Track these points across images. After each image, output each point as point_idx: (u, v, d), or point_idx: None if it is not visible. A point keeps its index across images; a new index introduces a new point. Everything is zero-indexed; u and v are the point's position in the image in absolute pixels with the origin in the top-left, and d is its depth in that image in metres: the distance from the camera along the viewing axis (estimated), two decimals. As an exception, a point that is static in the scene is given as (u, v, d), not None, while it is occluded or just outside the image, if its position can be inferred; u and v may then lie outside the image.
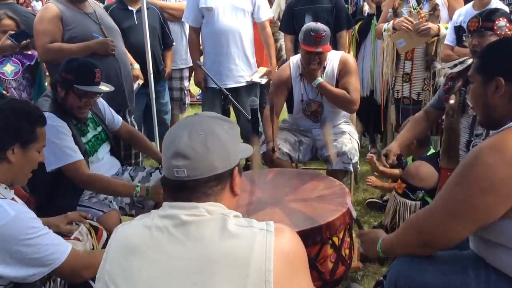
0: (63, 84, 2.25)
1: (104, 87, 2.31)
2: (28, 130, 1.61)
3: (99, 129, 2.49)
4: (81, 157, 2.23)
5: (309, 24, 2.84)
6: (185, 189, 1.11)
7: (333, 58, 2.92)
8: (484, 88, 1.46)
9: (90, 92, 2.26)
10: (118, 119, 2.66)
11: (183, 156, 1.10)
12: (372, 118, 4.07)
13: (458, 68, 2.40)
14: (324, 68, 2.91)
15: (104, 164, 2.46)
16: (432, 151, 2.85)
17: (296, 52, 3.82)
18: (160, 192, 2.20)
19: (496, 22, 2.31)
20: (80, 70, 2.24)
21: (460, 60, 2.48)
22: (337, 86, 2.88)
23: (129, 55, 3.31)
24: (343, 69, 2.89)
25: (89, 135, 2.42)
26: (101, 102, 2.58)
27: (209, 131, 1.12)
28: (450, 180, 1.38)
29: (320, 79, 2.83)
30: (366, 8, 4.00)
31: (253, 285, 1.00)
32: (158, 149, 3.20)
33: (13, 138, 1.58)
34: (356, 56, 4.10)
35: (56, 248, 1.52)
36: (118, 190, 2.28)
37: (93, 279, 1.61)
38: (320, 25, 2.79)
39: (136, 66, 3.45)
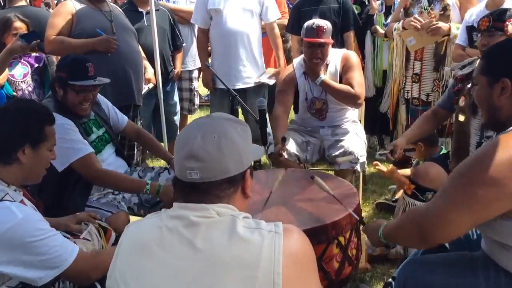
0: (60, 83, 2.27)
1: (99, 82, 2.31)
2: (37, 130, 1.60)
3: (102, 130, 2.50)
4: (92, 149, 2.24)
5: (312, 19, 2.87)
6: (197, 191, 1.11)
7: (335, 56, 2.92)
8: (489, 90, 1.45)
9: (86, 86, 2.26)
10: (123, 118, 2.66)
11: (196, 158, 1.09)
12: (379, 118, 4.06)
13: (467, 70, 2.38)
14: (327, 65, 2.91)
15: (110, 164, 2.46)
16: (443, 151, 2.84)
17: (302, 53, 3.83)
18: (170, 193, 2.20)
19: (507, 23, 2.29)
20: (72, 66, 2.26)
21: (469, 60, 2.46)
22: (340, 82, 2.88)
23: (145, 60, 3.36)
24: (346, 65, 2.89)
25: (93, 136, 2.43)
26: (105, 102, 2.58)
27: (222, 134, 1.12)
28: (453, 173, 1.37)
29: (323, 76, 2.83)
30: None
31: (262, 287, 1.00)
32: (167, 149, 3.22)
33: (22, 139, 1.57)
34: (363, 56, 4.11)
35: (64, 250, 1.50)
36: (130, 185, 2.28)
37: (100, 281, 1.61)
38: (322, 20, 2.82)
39: (150, 69, 3.48)
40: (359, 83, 2.85)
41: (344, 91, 2.82)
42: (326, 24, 2.77)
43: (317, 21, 2.78)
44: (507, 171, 1.24)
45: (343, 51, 3.02)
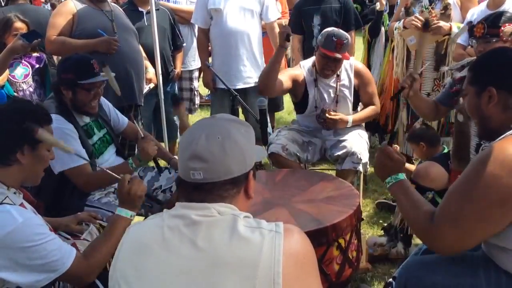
0: (67, 85, 2.25)
1: (106, 76, 2.32)
2: (35, 130, 1.58)
3: (104, 131, 2.49)
4: (84, 161, 2.21)
5: (332, 29, 2.85)
6: (200, 191, 1.12)
7: (346, 66, 2.94)
8: (477, 100, 1.49)
9: (96, 83, 2.27)
10: (124, 119, 2.66)
11: (200, 158, 1.10)
12: (380, 118, 4.05)
13: (466, 71, 2.37)
14: (338, 76, 2.91)
15: (112, 165, 2.44)
16: (446, 150, 2.84)
17: (303, 52, 3.82)
18: (147, 150, 2.24)
19: (502, 28, 2.27)
20: (78, 66, 2.25)
21: (468, 60, 2.45)
22: (356, 96, 2.97)
23: (146, 60, 3.36)
24: (361, 81, 2.97)
25: (95, 138, 2.42)
26: (106, 103, 2.58)
27: (226, 135, 1.13)
28: (456, 191, 1.35)
29: (350, 118, 2.92)
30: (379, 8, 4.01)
31: (262, 287, 1.00)
32: (167, 149, 3.22)
33: (20, 140, 1.56)
34: (369, 56, 4.09)
35: (62, 253, 1.50)
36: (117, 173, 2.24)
37: (100, 279, 1.61)
38: (342, 32, 2.81)
39: (151, 69, 3.48)
40: (377, 98, 3.04)
41: (371, 115, 3.04)
42: (346, 38, 2.76)
43: (338, 33, 2.76)
44: (504, 183, 1.25)
45: (352, 61, 3.03)
